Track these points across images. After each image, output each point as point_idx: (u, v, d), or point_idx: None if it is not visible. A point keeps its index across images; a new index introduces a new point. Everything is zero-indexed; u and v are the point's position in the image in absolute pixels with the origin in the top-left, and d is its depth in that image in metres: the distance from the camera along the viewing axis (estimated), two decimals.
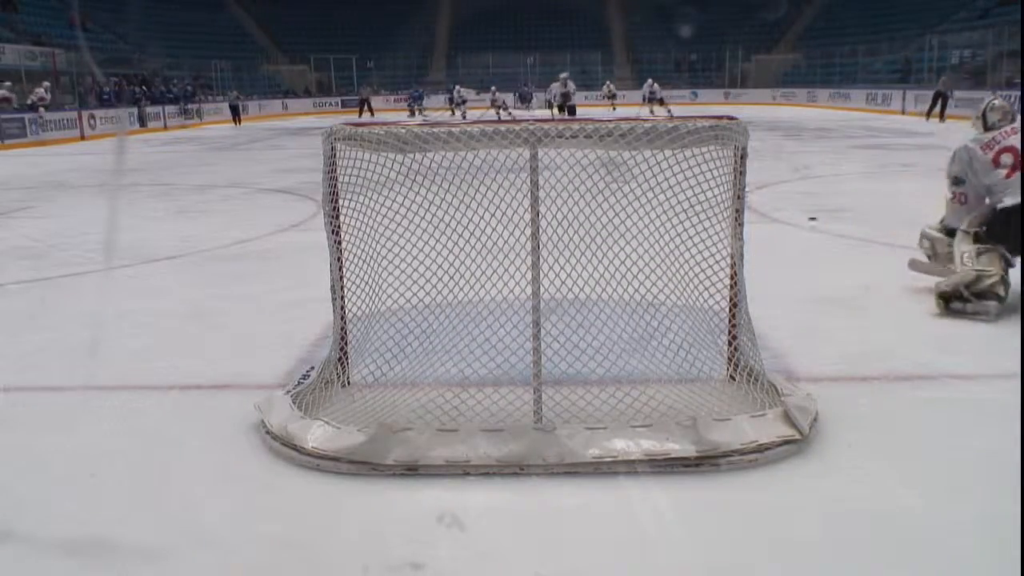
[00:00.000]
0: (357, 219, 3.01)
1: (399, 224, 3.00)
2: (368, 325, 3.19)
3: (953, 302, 4.12)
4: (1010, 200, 4.11)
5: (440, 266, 2.98)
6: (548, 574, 2.13)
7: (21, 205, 9.56)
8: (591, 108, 29.92)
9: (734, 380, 3.08)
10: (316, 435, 2.71)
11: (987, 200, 4.26)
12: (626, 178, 2.94)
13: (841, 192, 8.97)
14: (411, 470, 2.58)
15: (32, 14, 29.12)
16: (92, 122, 22.26)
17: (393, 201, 2.98)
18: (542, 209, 2.76)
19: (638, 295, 3.04)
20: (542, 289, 2.80)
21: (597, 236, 2.92)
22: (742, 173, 2.93)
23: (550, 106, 21.55)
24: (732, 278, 3.04)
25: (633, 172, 2.90)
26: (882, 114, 26.00)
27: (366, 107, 31.29)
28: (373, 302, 3.16)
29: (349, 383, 3.24)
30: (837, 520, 2.31)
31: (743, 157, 2.92)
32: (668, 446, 2.61)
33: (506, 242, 2.88)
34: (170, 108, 27.58)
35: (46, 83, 21.85)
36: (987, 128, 4.38)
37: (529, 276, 2.80)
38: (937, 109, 20.91)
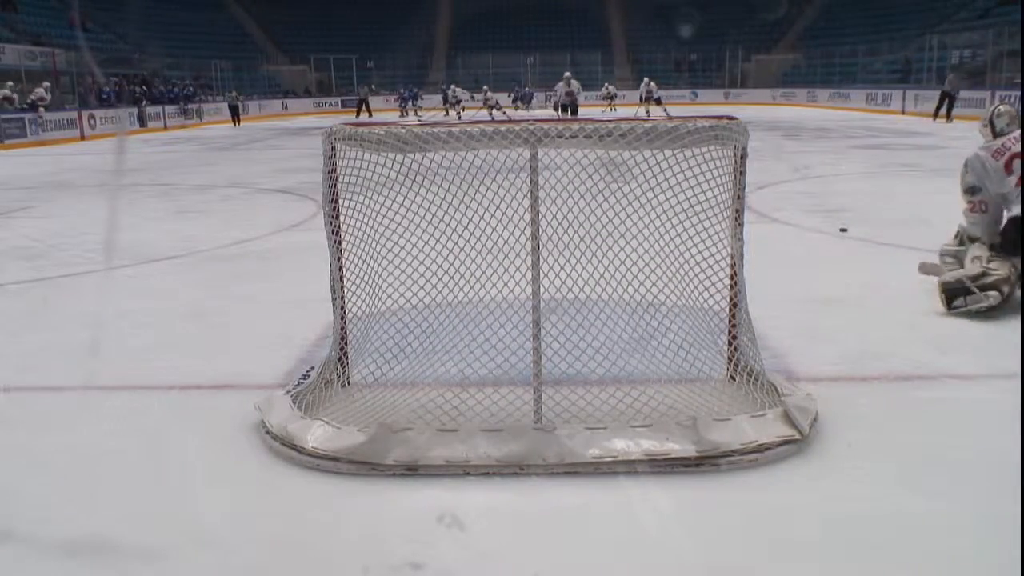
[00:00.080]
0: (357, 219, 3.01)
1: (399, 224, 3.00)
2: (368, 325, 3.19)
3: (956, 299, 4.11)
4: (1018, 209, 4.11)
5: (440, 266, 2.98)
6: (548, 574, 2.13)
7: (21, 205, 9.56)
8: (589, 108, 29.91)
9: (734, 380, 3.08)
10: (316, 435, 2.71)
11: (1005, 210, 4.24)
12: (626, 178, 2.94)
13: (841, 192, 8.97)
14: (411, 470, 2.58)
15: (32, 14, 29.12)
16: (92, 122, 22.26)
17: (393, 201, 2.98)
18: (542, 209, 2.76)
19: (638, 295, 3.04)
20: (542, 289, 2.80)
21: (597, 236, 2.92)
22: (742, 173, 2.93)
23: (556, 108, 21.32)
24: (732, 278, 3.04)
25: (633, 172, 2.90)
26: (882, 114, 26.00)
27: (364, 107, 31.28)
28: (373, 302, 3.16)
29: (349, 383, 3.24)
30: (837, 520, 2.31)
31: (743, 157, 2.92)
32: (668, 446, 2.61)
33: (506, 242, 2.88)
34: (170, 108, 27.59)
35: (46, 83, 21.86)
36: (996, 134, 4.38)
37: (529, 276, 2.80)
38: (944, 110, 20.82)
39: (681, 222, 2.99)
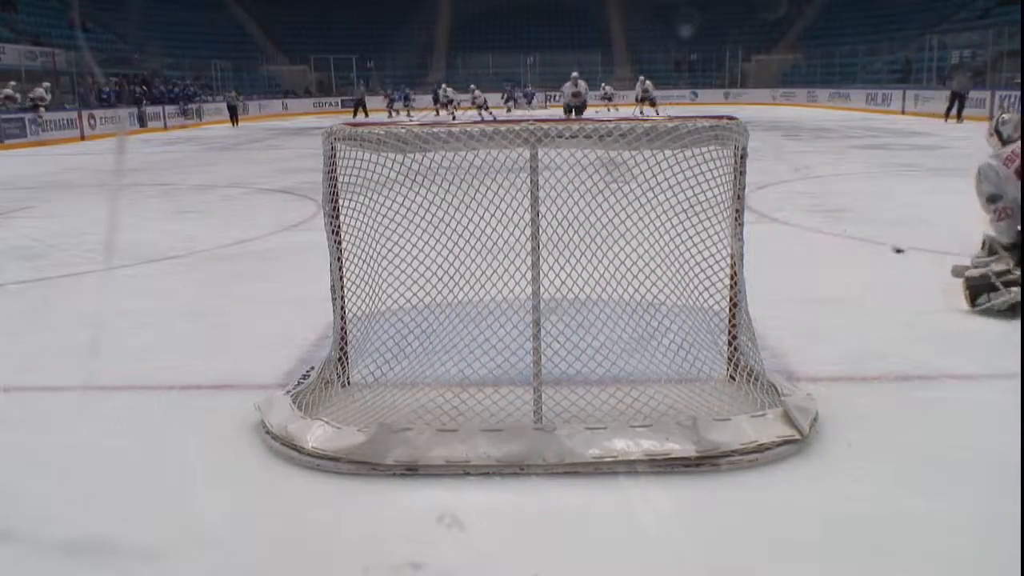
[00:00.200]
0: (357, 219, 3.01)
1: (399, 224, 3.00)
2: (368, 325, 3.19)
3: (980, 296, 4.11)
4: None
5: (440, 266, 2.98)
6: (548, 574, 2.13)
7: (21, 205, 9.56)
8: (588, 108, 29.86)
9: (734, 380, 3.08)
10: (316, 435, 2.72)
11: None
12: (626, 178, 2.94)
13: (841, 192, 8.97)
14: (411, 470, 2.58)
15: (32, 14, 29.11)
16: (92, 122, 22.26)
17: (393, 201, 2.98)
18: (542, 209, 2.76)
19: (638, 295, 3.05)
20: (542, 289, 2.80)
21: (597, 236, 2.92)
22: (742, 173, 2.93)
23: (566, 111, 20.45)
24: (732, 278, 3.04)
25: (633, 172, 2.90)
26: (882, 114, 26.00)
27: (361, 108, 31.27)
28: (373, 302, 3.16)
29: (349, 383, 3.25)
30: (837, 520, 2.31)
31: (743, 157, 2.92)
32: (668, 446, 2.61)
33: (506, 242, 2.88)
34: (170, 108, 27.58)
35: (46, 83, 21.86)
36: (1004, 142, 4.40)
37: (529, 276, 2.80)
38: (955, 110, 20.73)
39: (681, 222, 3.00)
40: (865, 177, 10.46)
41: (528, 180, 2.72)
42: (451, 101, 29.98)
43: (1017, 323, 3.91)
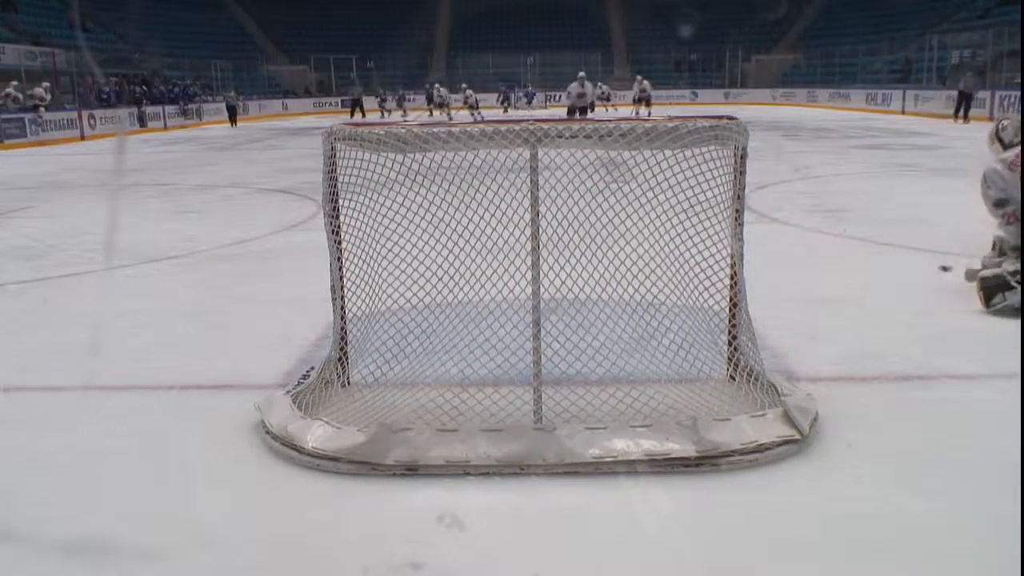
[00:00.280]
0: (357, 219, 3.01)
1: (399, 224, 3.00)
2: (368, 325, 3.19)
3: (995, 296, 4.11)
4: None
5: (440, 266, 2.98)
6: (548, 574, 2.13)
7: (21, 205, 9.56)
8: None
9: (734, 380, 3.08)
10: (316, 435, 2.72)
11: None
12: (626, 178, 2.94)
13: (841, 192, 8.97)
14: (411, 470, 2.58)
15: (32, 14, 29.12)
16: (92, 122, 22.27)
17: (393, 201, 2.98)
18: (542, 209, 2.76)
19: (638, 295, 3.04)
20: (542, 289, 2.80)
21: (597, 236, 2.92)
22: (742, 173, 2.93)
23: (570, 112, 19.75)
24: (732, 278, 3.04)
25: (633, 172, 2.90)
26: (882, 114, 26.00)
27: (359, 108, 31.22)
28: (373, 302, 3.16)
29: (349, 383, 3.24)
30: (837, 520, 2.31)
31: (743, 157, 2.92)
32: (668, 446, 2.61)
33: (506, 242, 2.88)
34: (170, 108, 27.58)
35: (45, 83, 21.86)
36: (1006, 147, 4.41)
37: (529, 276, 2.80)
38: (962, 111, 20.65)
39: (681, 222, 3.00)
40: (865, 177, 10.46)
41: (528, 180, 2.72)
42: (444, 102, 29.88)
43: (1017, 323, 3.91)
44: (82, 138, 21.44)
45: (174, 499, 2.53)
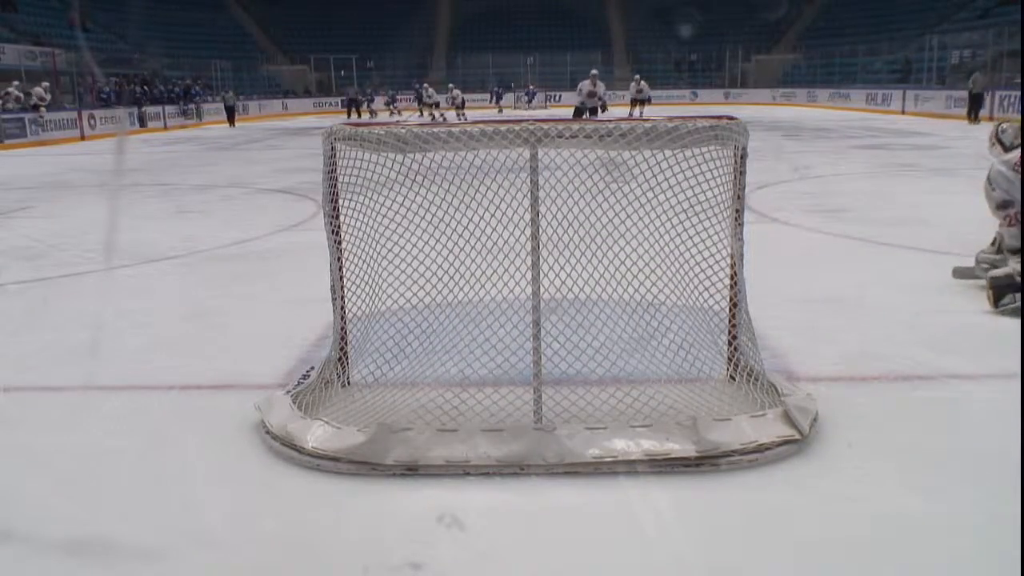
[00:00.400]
0: (357, 219, 3.01)
1: (399, 224, 3.00)
2: (368, 325, 3.19)
3: (1004, 296, 4.11)
4: None
5: (440, 266, 2.98)
6: (548, 574, 2.13)
7: (21, 205, 9.56)
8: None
9: (734, 380, 3.08)
10: (316, 435, 2.72)
11: None
12: (626, 178, 2.94)
13: (841, 192, 8.97)
14: (411, 470, 2.58)
15: (32, 14, 29.12)
16: (92, 122, 22.27)
17: (393, 201, 2.98)
18: (542, 209, 2.76)
19: (638, 295, 3.04)
20: (542, 289, 2.80)
21: (597, 236, 2.92)
22: (742, 173, 2.93)
23: (582, 111, 18.50)
24: (732, 278, 3.04)
25: (633, 172, 2.90)
26: (882, 114, 26.00)
27: (355, 107, 31.18)
28: (373, 302, 3.16)
29: (349, 383, 3.25)
30: (837, 520, 2.31)
31: (743, 157, 2.92)
32: (668, 446, 2.61)
33: (506, 242, 2.88)
34: (170, 108, 27.58)
35: (45, 83, 21.86)
36: (1007, 149, 4.42)
37: (529, 276, 2.80)
38: (974, 112, 20.55)
39: (681, 222, 2.99)
40: (865, 177, 10.46)
41: (528, 180, 2.72)
42: (436, 102, 29.80)
43: (1017, 323, 3.91)
44: (82, 138, 21.44)
45: (174, 499, 2.53)
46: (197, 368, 3.67)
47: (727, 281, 3.05)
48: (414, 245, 3.02)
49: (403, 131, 2.73)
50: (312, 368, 3.27)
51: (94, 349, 3.96)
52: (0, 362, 3.86)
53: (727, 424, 2.67)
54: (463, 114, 27.64)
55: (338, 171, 2.98)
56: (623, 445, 2.61)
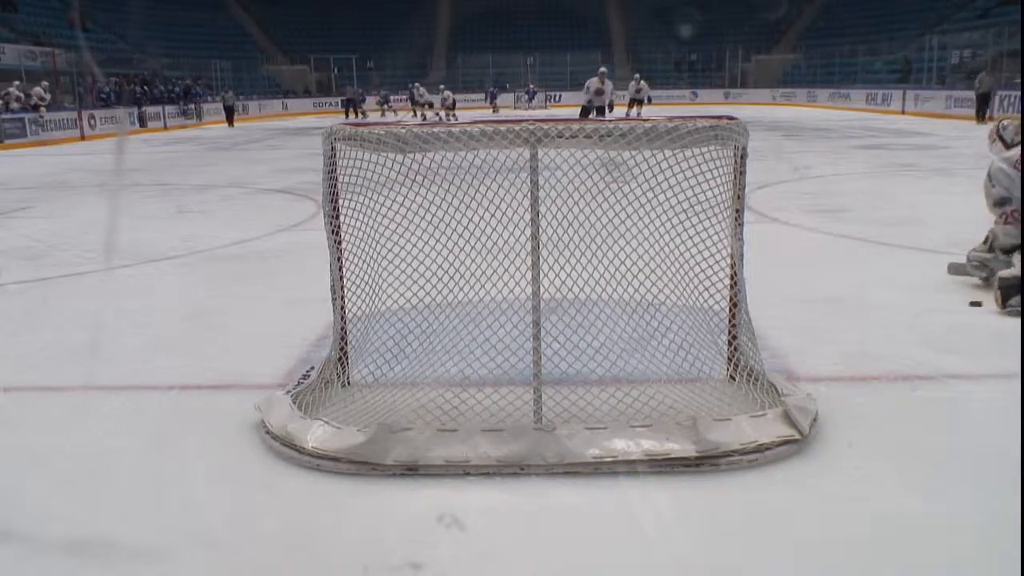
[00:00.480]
0: (357, 219, 3.01)
1: (399, 224, 3.00)
2: (368, 325, 3.19)
3: (1012, 298, 4.11)
4: None
5: (440, 266, 2.98)
6: (548, 574, 2.13)
7: (21, 205, 9.56)
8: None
9: (734, 380, 3.08)
10: (316, 435, 2.72)
11: None
12: (626, 178, 2.94)
13: (841, 192, 8.97)
14: (411, 470, 2.58)
15: (32, 14, 29.12)
16: (92, 122, 22.27)
17: (393, 201, 2.98)
18: (542, 209, 2.76)
19: (638, 295, 3.04)
20: (542, 289, 2.80)
21: (597, 236, 2.92)
22: (742, 173, 2.93)
23: (585, 112, 18.04)
24: (732, 278, 3.04)
25: (633, 172, 2.90)
26: (882, 114, 26.00)
27: (352, 107, 31.13)
28: (373, 302, 3.16)
29: (349, 383, 3.25)
30: (837, 520, 2.32)
31: (743, 157, 2.92)
32: (668, 446, 2.61)
33: (506, 242, 2.88)
34: (170, 108, 27.58)
35: (44, 83, 21.87)
36: (1008, 146, 4.42)
37: (529, 276, 2.80)
38: (982, 112, 20.48)
39: (681, 222, 2.99)
40: (865, 177, 10.46)
41: (528, 180, 2.72)
42: (429, 102, 29.71)
43: (1017, 323, 3.91)
44: (82, 138, 21.44)
45: (174, 499, 2.53)
46: (197, 368, 3.67)
47: (727, 281, 3.05)
48: (414, 245, 3.02)
49: (403, 131, 2.73)
50: (312, 368, 3.27)
51: (94, 349, 3.96)
52: (0, 362, 3.86)
53: (727, 424, 2.67)
54: (454, 115, 27.64)
55: (338, 171, 2.98)
56: (623, 445, 2.61)
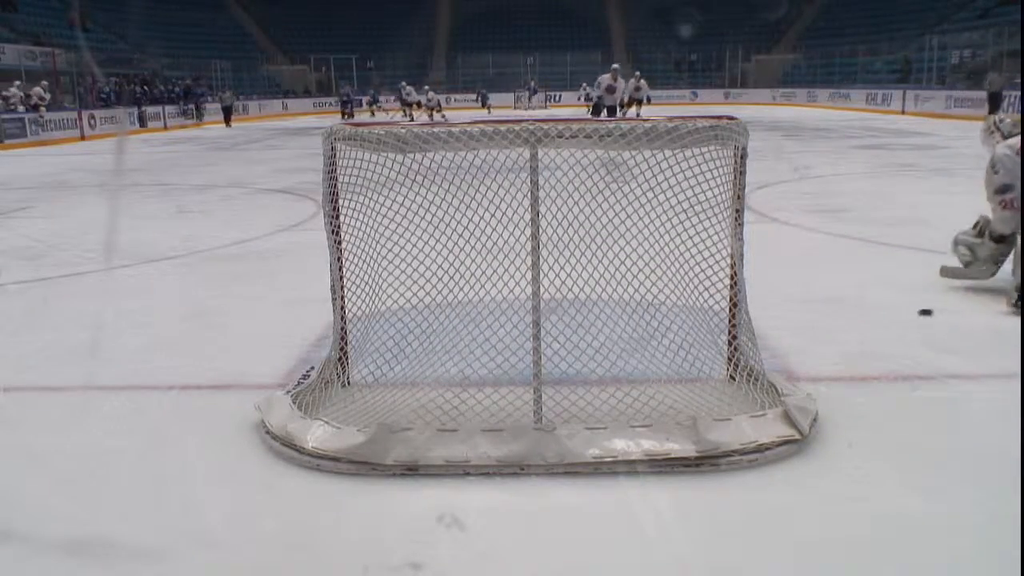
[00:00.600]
0: (357, 219, 3.01)
1: (399, 224, 3.00)
2: (368, 325, 3.19)
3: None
4: None
5: (440, 266, 2.98)
6: (548, 574, 2.13)
7: (21, 205, 9.56)
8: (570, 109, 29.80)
9: (734, 380, 3.08)
10: (316, 435, 2.72)
11: None
12: (626, 178, 2.94)
13: (841, 192, 8.97)
14: (411, 470, 2.58)
15: (32, 14, 29.12)
16: (92, 122, 22.27)
17: (393, 201, 2.98)
18: (542, 209, 2.76)
19: (638, 295, 3.04)
20: (542, 289, 2.80)
21: (597, 236, 2.92)
22: (742, 173, 2.93)
23: (596, 110, 17.64)
24: (732, 278, 3.04)
25: (633, 172, 2.90)
26: (882, 114, 26.00)
27: (348, 108, 31.11)
28: (373, 302, 3.16)
29: (349, 383, 3.25)
30: (837, 520, 2.32)
31: (743, 157, 2.92)
32: (668, 446, 2.61)
33: (506, 242, 2.88)
34: (170, 108, 27.58)
35: (44, 82, 21.86)
36: (1005, 136, 4.42)
37: (529, 276, 2.80)
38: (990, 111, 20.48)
39: (681, 222, 2.99)
40: (865, 177, 10.46)
41: (528, 180, 2.72)
42: (416, 101, 29.63)
43: (1017, 323, 3.91)
44: (82, 138, 21.44)
45: (174, 499, 2.53)
46: (197, 368, 3.67)
47: (727, 281, 3.05)
48: (414, 245, 3.02)
49: (403, 131, 2.73)
50: (312, 368, 3.27)
51: (94, 349, 3.96)
52: (0, 362, 3.86)
53: (727, 424, 2.67)
54: (442, 115, 27.61)
55: (338, 171, 2.98)
56: (623, 445, 2.61)
